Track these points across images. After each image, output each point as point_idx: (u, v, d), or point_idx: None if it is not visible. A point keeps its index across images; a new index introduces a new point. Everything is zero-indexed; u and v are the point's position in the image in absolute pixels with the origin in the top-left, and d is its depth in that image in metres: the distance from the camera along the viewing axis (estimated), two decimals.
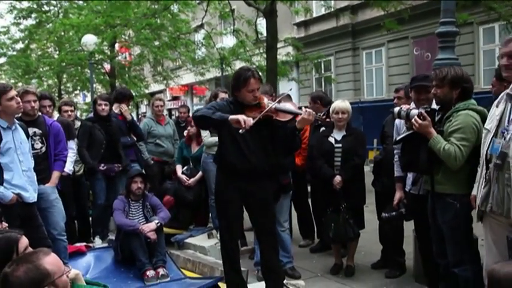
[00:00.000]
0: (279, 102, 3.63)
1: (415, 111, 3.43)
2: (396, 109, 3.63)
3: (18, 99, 3.83)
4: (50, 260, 2.09)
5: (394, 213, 4.12)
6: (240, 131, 3.30)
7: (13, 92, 3.79)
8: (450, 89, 3.28)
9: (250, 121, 3.29)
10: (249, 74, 3.49)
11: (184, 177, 5.84)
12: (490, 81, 4.46)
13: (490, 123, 2.94)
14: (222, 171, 3.73)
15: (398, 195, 4.12)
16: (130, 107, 7.45)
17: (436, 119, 3.43)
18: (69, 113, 5.76)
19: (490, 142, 2.87)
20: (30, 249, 2.53)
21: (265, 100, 3.61)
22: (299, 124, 3.51)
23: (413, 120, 3.33)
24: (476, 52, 13.71)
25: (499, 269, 1.96)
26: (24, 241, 2.56)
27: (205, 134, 5.33)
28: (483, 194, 2.90)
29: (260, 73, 3.80)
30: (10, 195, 3.73)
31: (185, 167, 5.97)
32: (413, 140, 3.57)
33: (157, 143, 6.32)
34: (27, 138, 4.05)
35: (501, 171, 2.77)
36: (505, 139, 2.77)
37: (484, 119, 3.19)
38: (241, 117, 3.29)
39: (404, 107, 3.72)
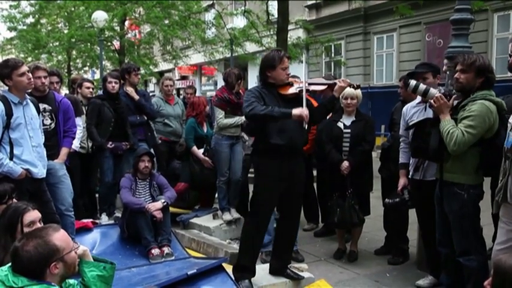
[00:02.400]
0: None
1: (434, 91, 3.41)
2: (413, 82, 3.54)
3: (30, 75, 3.83)
4: (59, 236, 2.12)
5: (397, 199, 4.12)
6: (305, 125, 3.48)
7: (24, 68, 3.78)
8: (475, 76, 3.22)
9: (307, 112, 3.45)
10: (283, 53, 3.70)
11: (208, 160, 5.72)
12: (503, 70, 4.39)
13: None
14: (265, 154, 3.68)
15: (402, 181, 4.13)
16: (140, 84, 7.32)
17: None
18: (91, 89, 5.99)
19: (507, 135, 2.85)
20: (38, 224, 2.57)
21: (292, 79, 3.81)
22: (336, 92, 3.66)
23: (435, 97, 3.29)
24: (489, 40, 13.52)
25: (506, 260, 1.97)
26: (31, 214, 2.59)
27: (221, 116, 5.26)
28: (500, 186, 2.91)
29: None
30: (19, 170, 3.75)
31: (202, 149, 5.81)
32: (424, 126, 3.56)
33: (166, 122, 6.30)
34: (38, 114, 4.05)
35: None
36: None
37: (501, 110, 3.16)
38: (302, 112, 3.42)
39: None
